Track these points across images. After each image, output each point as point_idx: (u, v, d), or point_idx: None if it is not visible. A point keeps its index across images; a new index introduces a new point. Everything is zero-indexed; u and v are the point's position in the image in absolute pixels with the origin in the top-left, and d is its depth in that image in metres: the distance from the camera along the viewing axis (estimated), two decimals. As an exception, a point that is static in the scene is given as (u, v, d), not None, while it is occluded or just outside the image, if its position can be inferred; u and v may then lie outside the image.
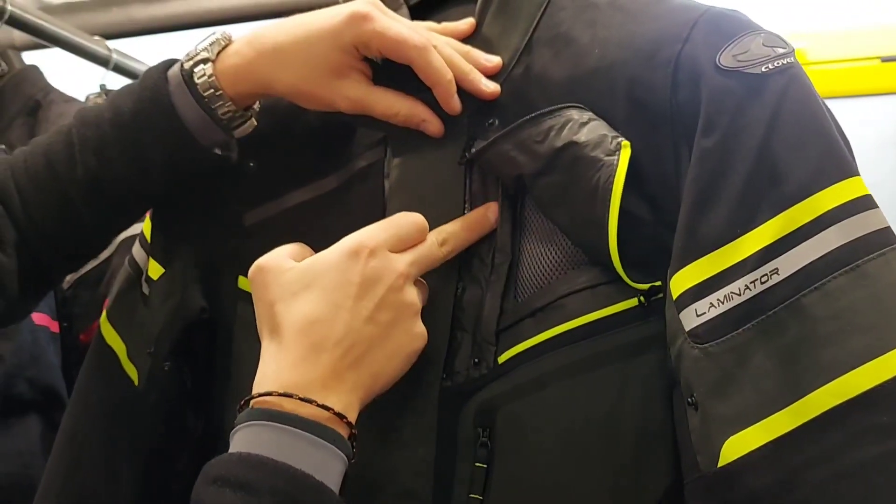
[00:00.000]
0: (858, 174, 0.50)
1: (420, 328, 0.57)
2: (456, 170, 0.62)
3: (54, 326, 1.06)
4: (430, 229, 0.61)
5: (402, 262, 0.57)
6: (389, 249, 0.57)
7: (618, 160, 0.54)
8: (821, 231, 0.48)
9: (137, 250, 0.75)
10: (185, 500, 0.71)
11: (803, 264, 0.48)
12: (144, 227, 0.75)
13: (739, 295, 0.49)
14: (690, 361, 0.50)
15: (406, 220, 0.59)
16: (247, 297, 0.68)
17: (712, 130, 0.52)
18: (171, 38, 1.87)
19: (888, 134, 1.65)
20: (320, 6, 1.72)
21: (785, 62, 0.52)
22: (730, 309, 0.49)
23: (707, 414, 0.49)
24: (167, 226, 0.73)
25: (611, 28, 0.59)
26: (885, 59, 1.70)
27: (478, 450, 0.56)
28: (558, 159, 0.56)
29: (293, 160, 0.69)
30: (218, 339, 0.71)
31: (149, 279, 0.71)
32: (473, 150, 0.61)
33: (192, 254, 0.71)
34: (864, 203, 0.49)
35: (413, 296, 0.57)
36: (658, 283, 0.55)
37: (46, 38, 1.41)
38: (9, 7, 1.29)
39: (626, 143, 0.54)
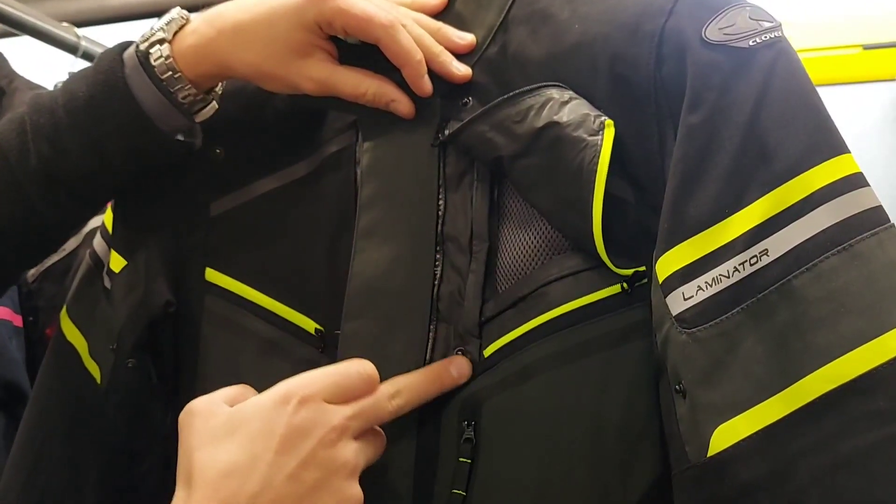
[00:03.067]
0: (849, 151, 0.49)
1: (354, 492, 0.51)
2: (429, 152, 0.59)
3: (17, 320, 1.03)
4: (403, 218, 0.58)
5: (340, 414, 0.51)
6: (328, 399, 0.51)
7: (602, 140, 0.52)
8: (811, 210, 0.47)
9: (98, 242, 0.72)
10: (153, 499, 0.68)
11: (794, 245, 0.46)
12: (106, 217, 0.72)
13: (728, 277, 0.47)
14: (678, 347, 0.49)
15: (352, 369, 0.53)
16: (214, 290, 0.67)
17: (699, 107, 0.50)
18: (147, 25, 1.84)
19: (871, 122, 1.66)
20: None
21: (772, 36, 0.51)
22: (718, 292, 0.47)
23: (696, 402, 0.47)
24: (130, 216, 0.70)
25: (591, 3, 0.57)
26: (868, 47, 1.70)
27: (462, 445, 0.54)
28: (539, 140, 0.54)
29: (262, 147, 0.67)
30: (184, 333, 0.68)
31: (110, 272, 0.69)
32: (447, 131, 0.58)
33: (156, 245, 0.68)
34: (856, 181, 0.47)
35: (349, 453, 0.51)
36: (642, 269, 0.53)
37: (11, 24, 1.38)
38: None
39: (609, 121, 0.52)
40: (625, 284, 0.53)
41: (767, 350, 0.46)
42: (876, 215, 0.47)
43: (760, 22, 0.51)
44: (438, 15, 0.62)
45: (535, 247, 0.56)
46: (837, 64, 1.71)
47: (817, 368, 0.44)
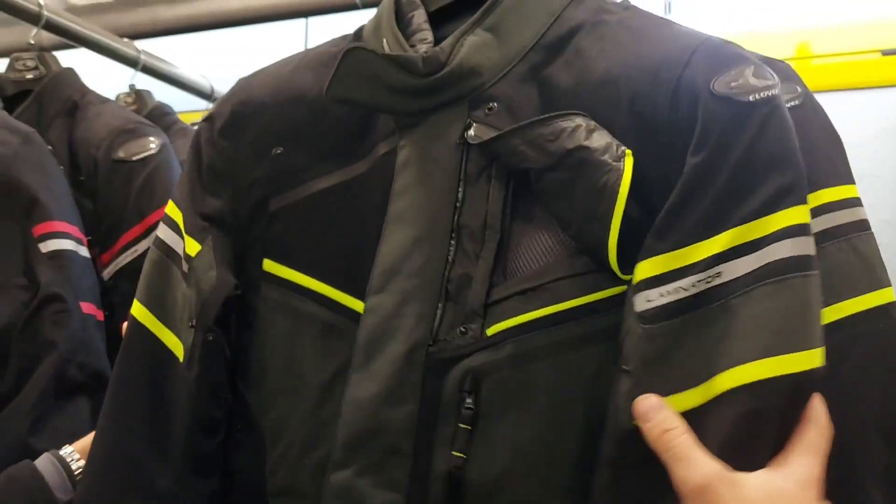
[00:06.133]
0: (806, 202, 0.57)
1: None
2: (455, 149, 0.67)
3: (100, 315, 1.12)
4: (425, 206, 0.66)
5: None
6: None
7: (624, 166, 0.60)
8: (765, 247, 0.56)
9: (165, 233, 0.78)
10: (222, 471, 0.75)
11: (743, 273, 0.56)
12: (168, 209, 0.79)
13: (686, 290, 0.57)
14: (634, 337, 0.58)
15: None
16: (271, 279, 0.73)
17: (702, 148, 0.58)
18: (195, 38, 1.93)
19: (888, 125, 1.69)
20: (337, 7, 1.77)
21: (770, 94, 0.58)
22: (676, 300, 0.57)
23: (637, 382, 0.57)
24: (200, 207, 0.77)
25: (619, 46, 0.65)
26: (886, 53, 1.73)
27: (463, 412, 0.61)
28: (568, 159, 0.62)
29: (319, 149, 0.74)
30: (243, 317, 0.75)
31: (188, 257, 0.75)
32: (472, 132, 0.66)
33: (221, 235, 0.75)
34: (806, 229, 0.57)
35: None
36: None
37: (79, 42, 1.47)
38: (45, 13, 1.36)
39: (629, 151, 0.60)
40: (626, 287, 0.61)
41: (701, 351, 0.56)
42: (811, 261, 0.56)
43: (762, 80, 0.59)
44: (478, 20, 0.68)
45: (545, 246, 0.64)
46: (856, 69, 1.73)
47: (727, 369, 0.55)
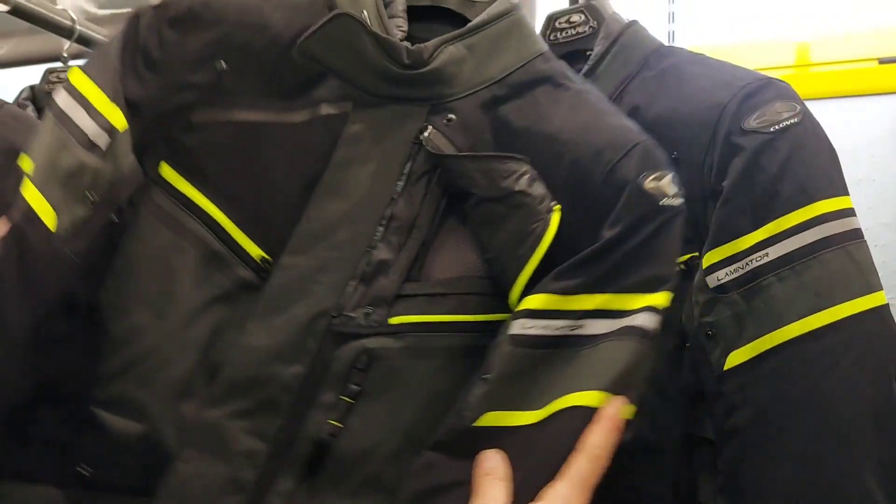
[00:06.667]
0: (673, 291, 0.65)
1: None
2: (405, 146, 0.70)
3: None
4: (363, 186, 0.69)
5: None
6: None
7: (552, 219, 0.66)
8: (627, 316, 0.63)
9: (63, 98, 0.71)
10: (75, 359, 0.69)
11: (601, 332, 0.63)
12: (74, 77, 0.71)
13: (555, 330, 0.64)
14: (500, 353, 0.63)
15: None
16: (163, 185, 0.72)
17: (615, 225, 0.65)
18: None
19: (885, 131, 1.73)
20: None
21: (675, 203, 0.66)
22: (543, 335, 0.64)
23: (490, 390, 0.62)
24: (130, 88, 0.73)
25: (572, 113, 0.71)
26: (883, 61, 1.77)
27: (349, 386, 0.66)
28: (510, 198, 0.67)
29: (263, 81, 0.73)
30: (124, 213, 0.72)
31: (113, 130, 0.70)
32: (428, 135, 0.70)
33: (139, 123, 0.72)
34: (661, 311, 0.64)
35: None
36: None
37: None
38: (77, 28, 1.42)
39: (557, 207, 0.67)
40: None
41: (549, 379, 0.63)
42: (653, 334, 0.63)
43: (673, 189, 0.66)
44: (461, 35, 0.72)
45: (461, 259, 0.69)
46: (854, 77, 1.78)
47: (561, 396, 0.62)
